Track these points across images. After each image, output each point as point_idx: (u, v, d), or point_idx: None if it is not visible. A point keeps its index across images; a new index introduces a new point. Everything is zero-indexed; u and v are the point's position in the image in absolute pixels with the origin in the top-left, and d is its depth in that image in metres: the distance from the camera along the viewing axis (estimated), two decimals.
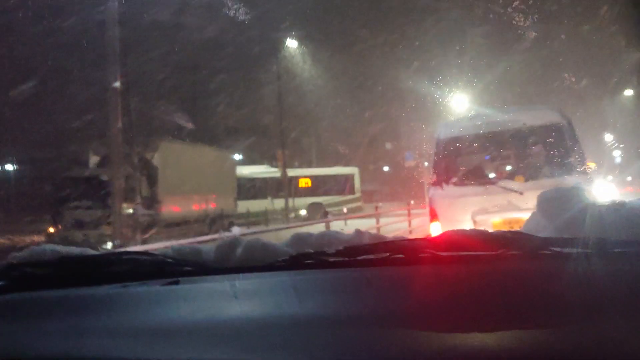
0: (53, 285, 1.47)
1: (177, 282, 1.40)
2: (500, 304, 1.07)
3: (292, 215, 25.23)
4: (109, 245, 11.53)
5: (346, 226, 16.00)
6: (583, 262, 1.20)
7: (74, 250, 1.71)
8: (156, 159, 16.25)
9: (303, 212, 27.49)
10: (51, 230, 14.95)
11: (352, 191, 29.51)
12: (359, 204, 28.97)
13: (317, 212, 26.04)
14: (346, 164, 31.37)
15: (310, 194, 28.37)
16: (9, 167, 14.57)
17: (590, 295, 1.06)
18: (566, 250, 1.27)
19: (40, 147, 16.82)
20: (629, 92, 27.28)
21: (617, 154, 33.13)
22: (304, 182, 29.03)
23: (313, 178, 29.43)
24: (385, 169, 41.98)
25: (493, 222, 5.13)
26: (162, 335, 1.09)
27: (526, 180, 5.27)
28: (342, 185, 28.53)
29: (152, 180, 16.05)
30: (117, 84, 9.69)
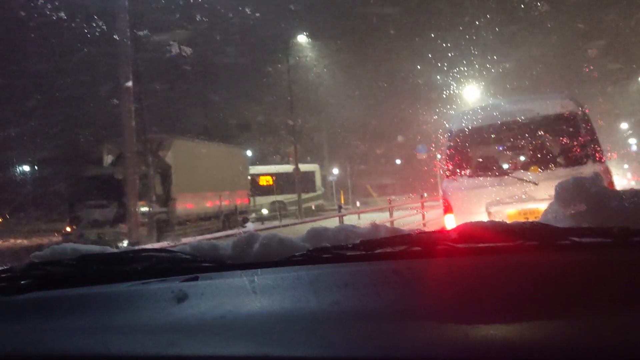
0: (74, 283, 1.49)
1: (196, 279, 1.41)
2: (519, 296, 1.06)
3: (252, 215, 24.12)
4: (125, 243, 11.66)
5: (359, 220, 15.98)
6: (604, 252, 1.19)
7: (94, 248, 1.73)
8: (169, 157, 16.37)
9: (265, 211, 26.49)
10: (67, 229, 15.13)
11: (313, 189, 28.84)
12: (320, 201, 28.25)
13: (279, 210, 25.50)
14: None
15: (272, 192, 27.06)
16: (25, 167, 14.75)
17: (612, 286, 1.05)
18: (586, 240, 1.26)
19: (55, 146, 17.00)
20: None
21: (633, 142, 32.66)
22: (264, 180, 28.01)
23: (274, 176, 28.30)
24: (398, 162, 41.85)
25: (508, 213, 5.09)
26: (183, 331, 1.10)
27: (541, 170, 5.21)
28: (303, 183, 26.66)
29: (165, 178, 16.18)
30: (130, 83, 9.75)
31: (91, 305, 1.35)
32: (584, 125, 5.26)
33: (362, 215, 17.03)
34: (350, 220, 14.65)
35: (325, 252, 1.46)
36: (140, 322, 1.20)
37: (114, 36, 9.87)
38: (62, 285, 1.49)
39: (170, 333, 1.09)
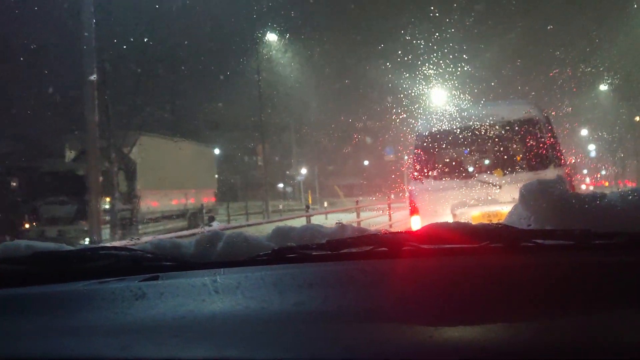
0: (27, 282, 1.43)
1: (156, 278, 1.37)
2: (483, 297, 1.06)
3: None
4: (86, 241, 11.35)
5: (327, 220, 16.00)
6: (567, 254, 1.20)
7: (50, 245, 1.67)
8: (135, 153, 16.03)
9: None
10: (26, 226, 14.65)
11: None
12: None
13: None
14: None
15: None
16: None
17: (574, 288, 1.07)
18: (549, 242, 1.28)
19: (13, 139, 16.45)
20: (604, 87, 27.80)
21: (592, 148, 33.78)
22: None
23: None
24: (365, 163, 42.15)
25: (472, 215, 5.18)
26: (141, 333, 1.06)
27: (504, 173, 5.32)
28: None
29: (130, 174, 15.85)
30: (94, 77, 9.50)
31: (44, 305, 1.29)
32: (546, 130, 5.40)
33: (329, 216, 17.06)
34: (318, 220, 14.65)
35: (291, 251, 1.44)
36: (96, 323, 1.15)
37: (79, 25, 9.59)
38: (13, 284, 1.42)
39: (126, 335, 1.05)
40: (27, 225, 14.66)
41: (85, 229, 12.41)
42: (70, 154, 15.97)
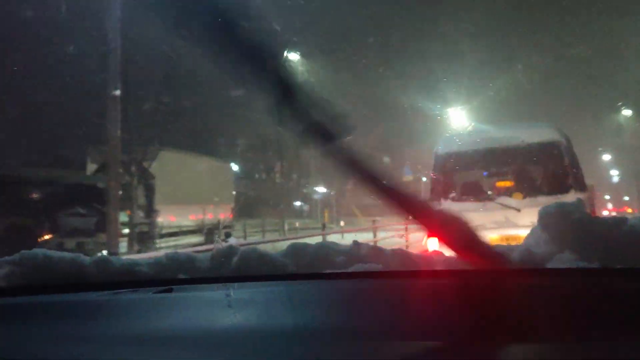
0: (44, 290, 1.44)
1: (170, 290, 1.37)
2: (500, 319, 1.04)
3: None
4: (104, 252, 11.45)
5: (343, 239, 15.94)
6: (586, 277, 1.18)
7: (67, 255, 1.68)
8: (154, 168, 16.22)
9: None
10: (45, 237, 14.83)
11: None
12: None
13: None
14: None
15: None
16: (3, 171, 14.50)
17: (594, 311, 1.04)
18: (568, 265, 1.25)
19: (37, 152, 16.78)
20: (627, 112, 27.43)
21: (614, 173, 33.23)
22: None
23: None
24: (383, 182, 41.91)
25: (490, 238, 5.10)
26: (153, 344, 1.06)
27: (524, 197, 5.25)
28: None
29: (149, 188, 16.01)
30: (117, 92, 9.69)
31: (59, 313, 1.30)
32: (567, 154, 5.33)
33: (345, 235, 16.98)
34: (334, 239, 14.58)
35: (305, 268, 1.43)
36: (110, 333, 1.15)
37: (104, 41, 9.82)
38: (30, 292, 1.44)
39: (139, 345, 1.05)
40: (46, 236, 14.84)
41: (104, 241, 12.53)
42: (91, 167, 16.21)
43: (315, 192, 36.79)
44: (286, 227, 24.50)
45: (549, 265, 1.27)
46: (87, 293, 1.40)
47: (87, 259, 1.66)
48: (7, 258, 1.58)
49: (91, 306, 1.33)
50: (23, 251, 1.61)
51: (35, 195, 15.02)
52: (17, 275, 1.52)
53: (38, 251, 1.62)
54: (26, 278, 1.51)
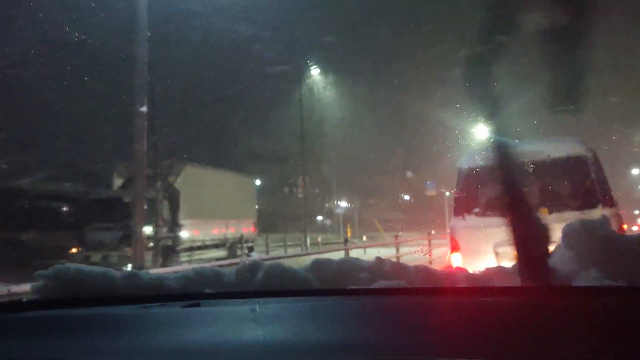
0: (76, 303, 1.49)
1: (197, 305, 1.40)
2: (522, 338, 1.04)
3: None
4: (129, 266, 11.60)
5: (365, 254, 15.86)
6: (612, 295, 1.16)
7: (97, 270, 1.73)
8: (179, 182, 16.44)
9: None
10: (73, 250, 15.10)
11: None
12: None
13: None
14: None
15: None
16: (32, 186, 14.84)
17: (620, 331, 1.03)
18: (593, 283, 1.24)
19: (65, 167, 17.18)
20: None
21: None
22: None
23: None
24: (406, 197, 41.73)
25: (515, 254, 5.03)
26: (181, 357, 1.09)
27: (550, 212, 5.17)
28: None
29: (174, 203, 16.21)
30: (144, 108, 9.88)
31: (91, 326, 1.34)
32: (594, 168, 5.24)
33: (368, 250, 16.89)
34: (356, 254, 14.52)
35: (329, 284, 1.45)
36: (139, 346, 1.18)
37: (130, 57, 10.06)
38: (64, 305, 1.48)
39: (166, 358, 1.08)
40: (73, 250, 15.11)
41: (129, 255, 12.70)
42: (117, 182, 16.50)
43: (338, 206, 36.74)
44: (308, 241, 24.50)
45: (574, 283, 1.26)
46: (117, 307, 1.44)
47: (117, 273, 1.70)
48: (41, 272, 1.63)
49: (121, 320, 1.36)
50: (57, 265, 1.67)
51: (63, 210, 15.33)
52: (51, 288, 1.57)
53: (70, 266, 1.67)
54: (59, 291, 1.56)
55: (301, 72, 25.39)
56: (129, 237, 12.59)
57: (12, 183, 14.26)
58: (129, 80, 10.35)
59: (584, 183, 5.28)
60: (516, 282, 1.32)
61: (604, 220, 1.49)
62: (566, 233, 1.48)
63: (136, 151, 10.00)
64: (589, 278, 1.30)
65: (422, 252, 15.33)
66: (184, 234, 16.44)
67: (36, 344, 1.23)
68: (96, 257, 14.51)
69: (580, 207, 5.12)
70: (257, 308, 1.30)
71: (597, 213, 4.77)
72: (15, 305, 1.48)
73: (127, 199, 13.78)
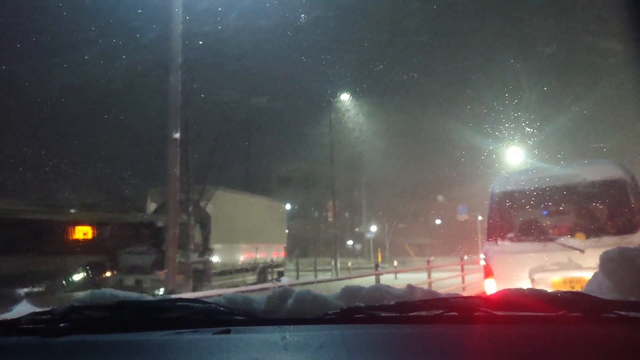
0: (111, 328, 1.51)
1: (228, 331, 1.41)
2: None
3: None
4: (162, 291, 11.73)
5: (396, 280, 15.66)
6: None
7: (132, 295, 1.76)
8: (210, 207, 16.65)
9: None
10: (106, 274, 15.38)
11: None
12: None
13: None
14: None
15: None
16: (69, 210, 15.27)
17: None
18: (632, 314, 1.20)
19: (100, 193, 17.64)
20: None
21: None
22: (82, 233, 15.81)
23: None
24: (438, 222, 41.20)
25: (552, 280, 4.89)
26: None
27: (587, 237, 5.03)
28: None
29: (205, 227, 16.41)
30: (177, 135, 10.10)
31: (125, 351, 1.36)
32: (633, 191, 5.09)
33: (399, 275, 16.68)
34: (387, 279, 14.36)
35: (359, 311, 1.44)
36: None
37: (163, 85, 10.34)
38: (99, 330, 1.51)
39: None
40: (107, 274, 15.39)
41: (161, 278, 12.85)
42: (151, 206, 16.83)
43: (368, 230, 36.52)
44: (339, 266, 24.36)
45: (612, 315, 1.22)
46: (150, 332, 1.46)
47: (150, 298, 1.73)
48: (78, 297, 1.68)
49: (155, 345, 1.38)
50: (92, 290, 1.71)
51: (98, 234, 15.68)
52: (87, 313, 1.60)
53: (106, 291, 1.71)
54: (95, 316, 1.59)
55: (331, 96, 25.62)
56: (162, 261, 12.77)
57: (51, 211, 14.72)
58: (163, 107, 10.63)
59: (622, 207, 5.13)
60: (555, 309, 1.28)
61: None
62: (603, 261, 1.44)
63: (169, 176, 10.20)
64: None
65: (454, 277, 15.06)
66: (215, 258, 16.57)
67: None
68: (129, 280, 14.74)
69: (619, 232, 4.97)
70: (288, 336, 1.30)
71: (636, 238, 4.61)
72: (52, 330, 1.51)
73: (160, 224, 14.01)
